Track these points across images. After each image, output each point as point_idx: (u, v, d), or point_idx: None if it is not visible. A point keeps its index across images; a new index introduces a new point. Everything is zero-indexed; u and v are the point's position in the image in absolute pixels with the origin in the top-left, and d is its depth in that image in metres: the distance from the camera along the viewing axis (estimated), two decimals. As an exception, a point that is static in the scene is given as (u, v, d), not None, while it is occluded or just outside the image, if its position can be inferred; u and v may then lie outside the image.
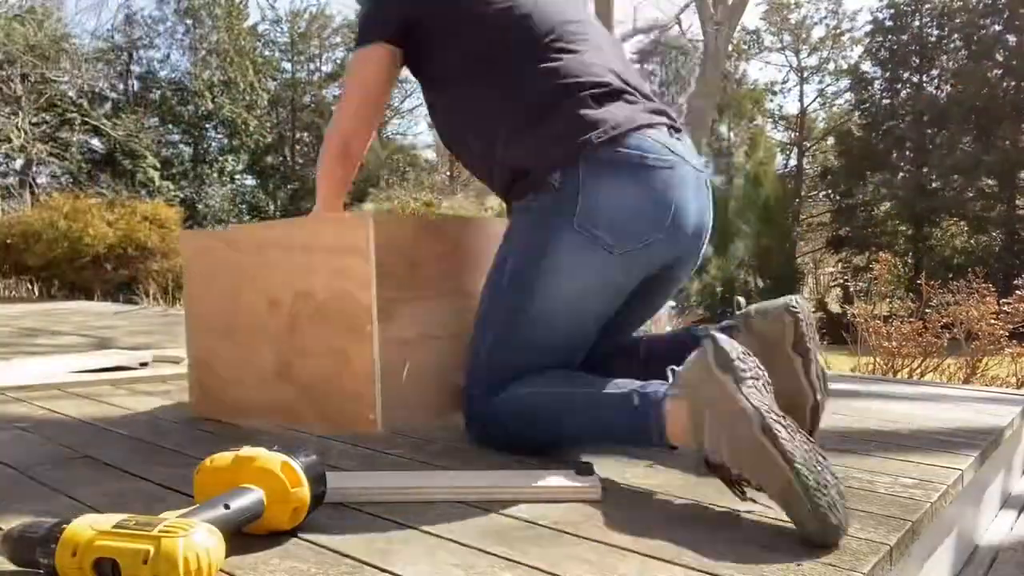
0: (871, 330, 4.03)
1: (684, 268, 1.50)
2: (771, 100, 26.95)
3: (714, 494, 1.16)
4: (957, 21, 21.61)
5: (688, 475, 1.27)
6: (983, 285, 4.07)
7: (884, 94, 23.25)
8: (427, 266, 1.53)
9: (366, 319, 1.42)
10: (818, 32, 26.11)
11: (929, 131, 21.29)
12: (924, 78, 22.84)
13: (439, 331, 1.55)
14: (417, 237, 1.52)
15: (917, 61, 22.76)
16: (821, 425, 1.34)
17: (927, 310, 4.05)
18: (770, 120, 26.87)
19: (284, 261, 1.53)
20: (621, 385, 1.26)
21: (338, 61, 28.23)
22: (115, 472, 1.27)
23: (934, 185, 21.25)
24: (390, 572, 0.87)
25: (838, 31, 25.73)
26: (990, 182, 20.72)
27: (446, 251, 1.58)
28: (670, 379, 1.19)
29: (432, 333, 1.54)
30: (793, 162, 26.46)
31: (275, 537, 0.96)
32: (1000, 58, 20.57)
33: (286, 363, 1.54)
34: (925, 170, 21.29)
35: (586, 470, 1.16)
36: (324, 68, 28.32)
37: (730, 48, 16.85)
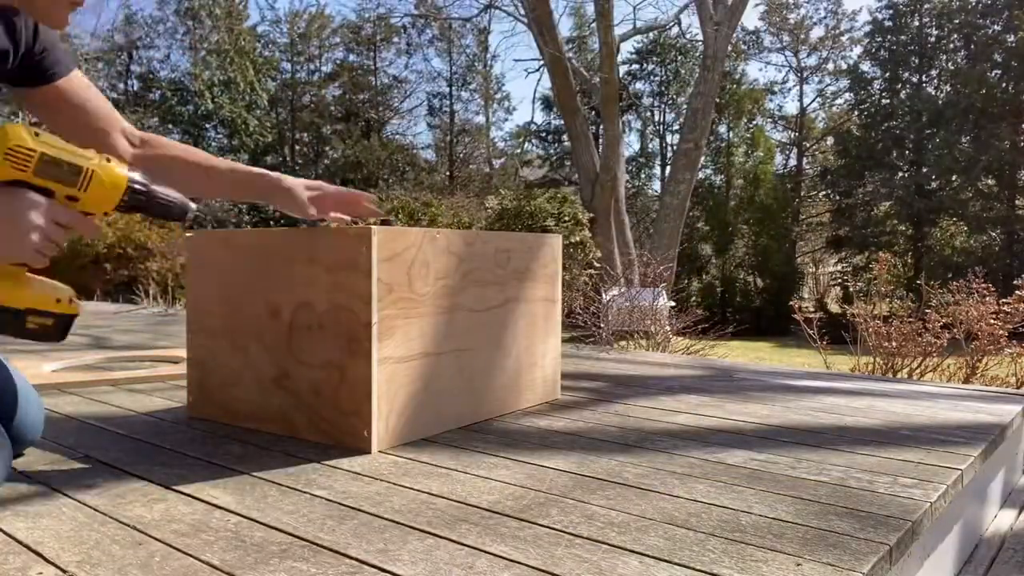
0: (871, 330, 4.02)
1: None
2: (771, 100, 26.94)
3: (714, 494, 1.17)
4: (956, 21, 21.61)
5: (687, 475, 1.27)
6: (983, 285, 4.06)
7: (883, 94, 23.25)
8: (427, 283, 1.51)
9: (365, 336, 1.40)
10: (817, 32, 26.13)
11: (928, 131, 21.28)
12: (923, 78, 22.85)
13: (436, 348, 1.54)
14: (419, 253, 1.49)
15: (916, 61, 22.76)
16: (821, 424, 1.35)
17: (927, 310, 4.04)
18: (770, 120, 26.85)
19: (285, 270, 1.51)
20: None
21: (338, 61, 28.24)
22: (115, 472, 1.27)
23: (933, 185, 21.26)
24: (390, 572, 0.87)
25: (837, 31, 25.75)
26: (989, 182, 20.73)
27: (447, 267, 1.56)
28: None
29: (429, 351, 1.52)
30: (792, 162, 26.46)
31: (275, 537, 0.96)
32: (999, 58, 20.57)
33: (284, 371, 1.52)
34: (924, 170, 21.30)
35: None
36: (324, 68, 28.33)
37: (730, 48, 16.83)
